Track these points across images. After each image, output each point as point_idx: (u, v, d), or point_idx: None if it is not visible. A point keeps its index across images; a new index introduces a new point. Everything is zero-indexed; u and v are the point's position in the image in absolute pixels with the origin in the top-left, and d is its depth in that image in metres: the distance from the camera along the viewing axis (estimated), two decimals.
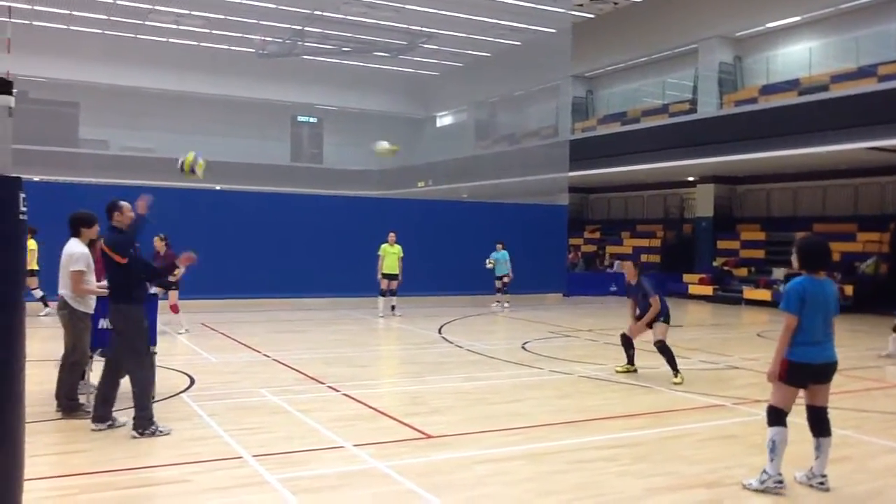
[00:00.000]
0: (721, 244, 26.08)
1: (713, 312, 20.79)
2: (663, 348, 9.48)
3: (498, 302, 19.63)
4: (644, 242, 28.95)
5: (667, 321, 9.71)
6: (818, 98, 20.02)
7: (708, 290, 24.13)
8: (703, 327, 17.52)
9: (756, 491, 5.36)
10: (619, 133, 26.52)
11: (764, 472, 5.39)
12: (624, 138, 25.59)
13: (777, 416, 5.39)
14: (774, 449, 5.35)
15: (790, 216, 25.22)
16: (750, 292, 22.82)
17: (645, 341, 10.08)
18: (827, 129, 18.73)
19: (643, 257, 28.10)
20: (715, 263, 25.38)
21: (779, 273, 22.94)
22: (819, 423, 5.46)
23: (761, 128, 20.61)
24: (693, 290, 24.64)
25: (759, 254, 24.75)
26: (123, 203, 6.97)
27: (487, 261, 19.44)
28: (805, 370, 5.34)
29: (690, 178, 26.99)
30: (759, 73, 26.14)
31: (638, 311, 9.97)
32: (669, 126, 24.45)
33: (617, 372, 10.10)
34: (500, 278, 19.57)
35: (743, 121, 21.54)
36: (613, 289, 23.63)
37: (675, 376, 9.41)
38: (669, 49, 28.47)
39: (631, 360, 10.14)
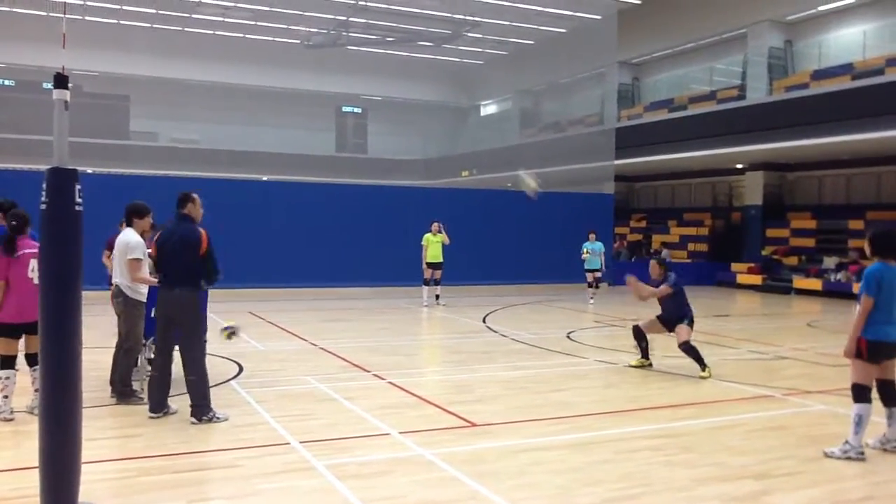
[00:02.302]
0: (770, 233, 25.59)
1: (762, 302, 20.45)
2: (689, 349, 9.19)
3: (592, 297, 18.35)
4: (691, 231, 28.55)
5: (690, 325, 9.36)
6: (873, 82, 19.47)
7: (757, 279, 23.73)
8: (751, 317, 17.25)
9: (837, 458, 5.79)
10: (666, 120, 26.12)
11: (847, 442, 5.85)
12: (671, 126, 25.22)
13: (861, 393, 5.86)
14: (860, 423, 5.79)
15: (843, 204, 24.62)
16: (800, 281, 22.39)
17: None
18: (882, 113, 18.24)
19: (690, 246, 27.77)
20: (764, 252, 24.93)
21: (830, 262, 22.46)
22: (888, 395, 5.98)
23: (813, 114, 20.14)
24: (741, 279, 24.27)
25: (810, 242, 24.23)
26: (196, 196, 7.07)
27: (584, 251, 18.30)
28: (881, 347, 5.84)
29: (739, 166, 26.51)
30: (810, 58, 25.53)
31: (663, 313, 9.56)
32: (717, 113, 24.02)
33: (631, 366, 9.72)
34: (593, 272, 18.46)
35: (794, 107, 21.07)
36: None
37: (703, 370, 9.13)
38: (717, 34, 27.93)
39: (645, 354, 9.72)
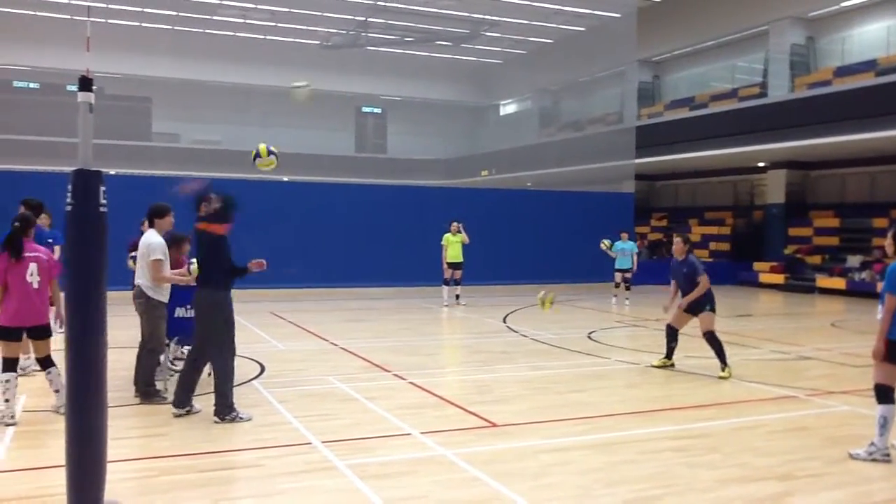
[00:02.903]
0: (793, 231, 25.36)
1: (785, 301, 20.27)
2: (712, 339, 9.08)
3: (615, 297, 18.19)
4: (713, 230, 28.35)
5: (713, 309, 9.19)
6: None
7: (779, 278, 23.52)
8: (774, 316, 17.11)
9: (863, 460, 5.74)
10: (687, 118, 25.96)
11: (872, 444, 5.79)
12: (692, 124, 25.06)
13: (885, 394, 5.76)
14: (885, 424, 5.71)
15: (867, 202, 24.32)
16: (823, 280, 22.17)
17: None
18: None
19: (712, 245, 27.57)
20: (786, 251, 24.71)
21: (854, 261, 22.22)
22: None
23: (836, 111, 19.94)
24: (764, 278, 24.07)
25: (833, 241, 23.98)
26: (213, 195, 7.07)
27: (602, 243, 17.90)
28: None
29: (761, 164, 26.28)
30: (833, 55, 25.26)
31: (680, 294, 9.35)
32: (739, 111, 23.84)
33: (653, 367, 9.63)
34: (623, 271, 18.09)
35: (816, 104, 20.86)
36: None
37: (723, 370, 9.01)
38: (738, 31, 27.69)
39: (670, 354, 9.59)
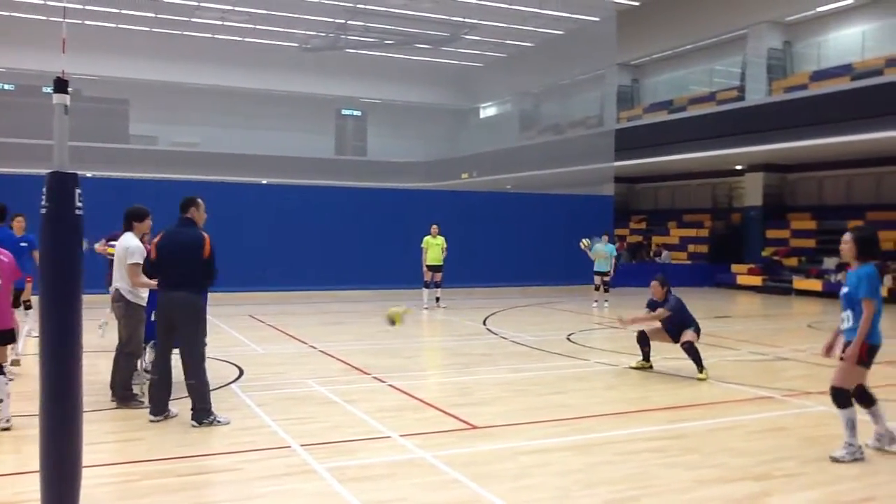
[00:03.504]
0: (770, 234, 25.61)
1: (762, 303, 20.46)
2: (690, 348, 9.15)
3: (597, 301, 17.90)
4: (691, 232, 28.57)
5: (697, 332, 9.33)
6: (872, 83, 19.49)
7: (757, 280, 23.74)
8: (751, 318, 17.26)
9: (848, 462, 5.77)
10: (666, 122, 26.17)
11: (849, 444, 5.83)
12: (670, 127, 25.25)
13: (848, 398, 5.87)
14: (853, 426, 5.81)
15: (843, 204, 24.62)
16: (800, 282, 22.40)
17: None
18: (882, 114, 18.25)
19: (690, 247, 27.78)
20: (764, 253, 24.94)
21: (830, 263, 22.47)
22: (867, 396, 5.98)
23: (812, 114, 20.16)
24: (742, 280, 24.28)
25: (811, 243, 24.24)
26: (201, 200, 7.06)
27: (582, 242, 17.56)
28: (877, 351, 5.89)
29: (739, 167, 26.52)
30: (809, 59, 25.57)
31: (666, 328, 9.46)
32: (717, 114, 24.05)
33: (632, 368, 9.71)
34: (601, 274, 17.92)
35: (793, 108, 21.09)
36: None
37: (701, 372, 9.11)
38: (717, 35, 27.95)
39: (647, 357, 9.69)
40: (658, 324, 9.59)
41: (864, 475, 5.58)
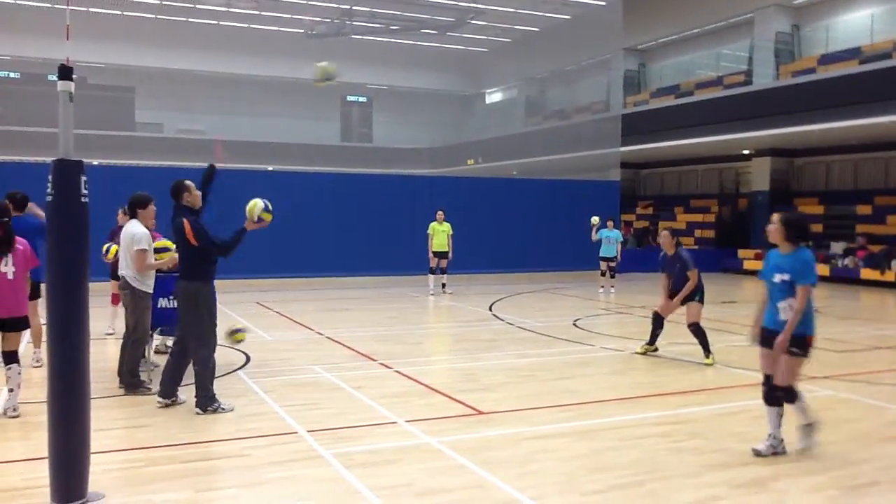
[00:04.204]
0: None
1: None
2: (697, 330, 9.17)
3: (603, 287, 17.79)
4: (698, 218, 28.48)
5: (701, 300, 9.30)
6: (881, 66, 19.33)
7: None
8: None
9: (764, 456, 5.55)
10: (673, 106, 26.00)
11: (773, 436, 5.64)
12: (677, 112, 25.10)
13: (796, 391, 5.65)
14: (778, 418, 5.65)
15: (851, 189, 24.50)
16: None
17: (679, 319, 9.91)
18: (890, 98, 18.12)
19: (697, 233, 27.70)
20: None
21: (837, 248, 22.39)
22: (777, 393, 5.69)
23: (820, 99, 20.02)
24: (748, 265, 24.20)
25: (818, 228, 24.08)
26: (190, 182, 6.95)
27: (593, 218, 17.66)
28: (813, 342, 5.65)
29: (746, 152, 26.40)
30: (817, 42, 25.35)
31: (672, 287, 9.44)
32: (724, 98, 23.89)
33: (636, 353, 9.71)
34: (608, 260, 17.81)
35: (801, 92, 20.94)
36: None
37: (707, 357, 9.13)
38: (724, 19, 27.74)
39: (653, 340, 9.65)
40: (665, 297, 9.48)
41: (872, 458, 5.59)
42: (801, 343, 5.56)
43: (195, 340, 6.73)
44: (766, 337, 5.74)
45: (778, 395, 5.65)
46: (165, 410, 6.73)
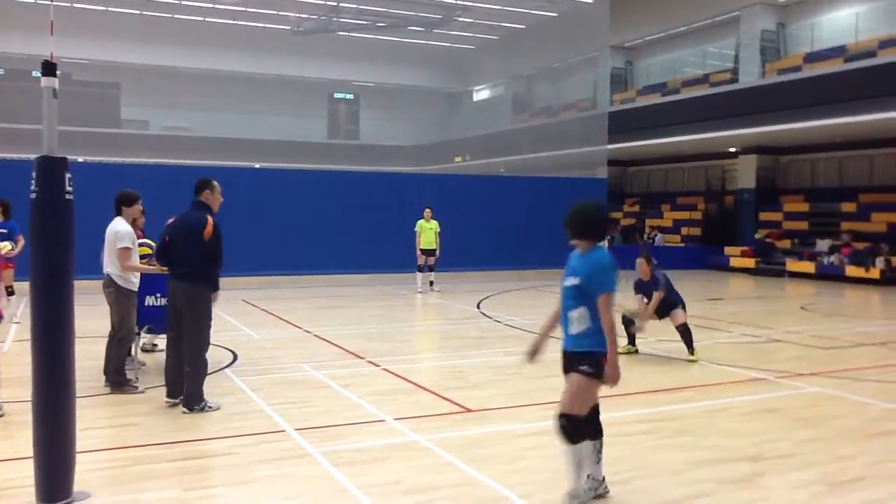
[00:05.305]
0: (763, 216, 25.64)
1: (755, 285, 20.51)
2: (685, 330, 9.23)
3: None
4: (685, 215, 28.60)
5: (684, 308, 9.36)
6: (865, 65, 19.48)
7: (750, 262, 23.79)
8: (744, 300, 17.31)
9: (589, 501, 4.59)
10: (659, 104, 26.12)
11: (594, 479, 4.64)
12: (664, 109, 25.20)
13: (583, 429, 4.58)
14: (582, 462, 4.57)
15: (836, 187, 24.67)
16: (793, 264, 22.46)
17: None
18: (875, 96, 18.26)
19: (684, 230, 27.81)
20: (757, 236, 24.98)
21: (823, 245, 22.54)
22: (598, 421, 4.77)
23: (806, 96, 20.15)
24: (735, 262, 24.34)
25: (803, 225, 24.31)
26: (216, 183, 6.92)
27: None
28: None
29: (732, 149, 26.53)
30: (803, 41, 25.51)
31: (658, 307, 9.33)
32: (710, 96, 24.01)
33: (619, 353, 9.72)
34: None
35: (787, 90, 21.07)
36: (654, 262, 23.42)
37: (691, 354, 9.19)
38: (710, 17, 27.89)
39: (632, 340, 9.63)
40: (643, 304, 9.51)
41: (858, 454, 5.62)
42: (595, 361, 4.58)
43: (191, 341, 6.67)
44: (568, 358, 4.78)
45: (561, 423, 4.52)
46: (153, 409, 6.68)
